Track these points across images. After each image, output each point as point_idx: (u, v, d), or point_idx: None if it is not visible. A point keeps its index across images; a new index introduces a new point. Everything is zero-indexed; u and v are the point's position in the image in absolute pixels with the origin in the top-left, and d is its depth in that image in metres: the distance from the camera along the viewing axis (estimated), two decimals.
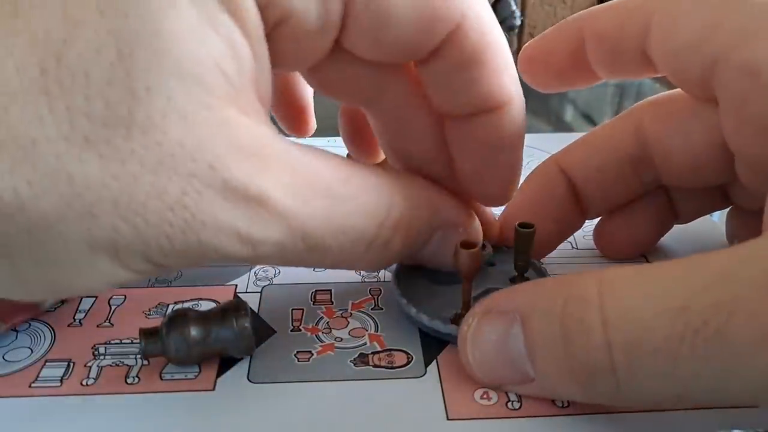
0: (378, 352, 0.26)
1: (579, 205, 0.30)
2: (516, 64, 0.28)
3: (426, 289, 0.28)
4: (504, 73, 0.24)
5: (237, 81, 0.19)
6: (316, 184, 0.21)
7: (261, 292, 0.29)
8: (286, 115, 0.36)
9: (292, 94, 0.35)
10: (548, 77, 0.30)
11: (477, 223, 0.28)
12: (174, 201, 0.18)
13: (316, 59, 0.23)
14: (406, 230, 0.24)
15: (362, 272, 0.31)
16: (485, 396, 0.24)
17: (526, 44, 0.30)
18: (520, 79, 0.26)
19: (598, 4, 0.52)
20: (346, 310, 0.28)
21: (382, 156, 0.32)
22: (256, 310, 0.28)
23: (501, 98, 0.25)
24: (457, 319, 0.26)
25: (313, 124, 0.37)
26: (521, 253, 0.27)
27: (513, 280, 0.29)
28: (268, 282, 0.30)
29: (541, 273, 0.29)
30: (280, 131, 0.50)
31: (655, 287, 0.19)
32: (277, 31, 0.20)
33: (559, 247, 0.32)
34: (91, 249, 0.18)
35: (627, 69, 0.28)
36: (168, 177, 0.18)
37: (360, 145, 0.32)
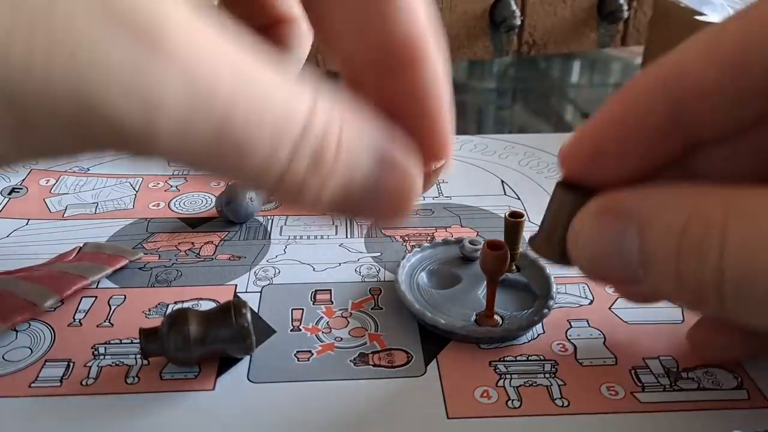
0: (378, 352, 0.26)
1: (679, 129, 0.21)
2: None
3: (429, 288, 0.29)
4: None
5: None
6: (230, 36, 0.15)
7: (261, 292, 0.29)
8: None
9: None
10: (631, 167, 0.21)
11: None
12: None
13: None
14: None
15: (361, 272, 0.31)
16: (485, 395, 0.24)
17: (573, 139, 0.21)
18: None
19: (599, 3, 0.52)
20: (346, 309, 0.28)
21: None
22: (256, 310, 0.28)
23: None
24: (480, 319, 0.27)
25: None
26: (511, 242, 0.28)
27: None
28: (268, 282, 0.30)
29: (532, 262, 0.29)
30: None
31: None
32: None
33: None
34: None
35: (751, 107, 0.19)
36: None
37: None
